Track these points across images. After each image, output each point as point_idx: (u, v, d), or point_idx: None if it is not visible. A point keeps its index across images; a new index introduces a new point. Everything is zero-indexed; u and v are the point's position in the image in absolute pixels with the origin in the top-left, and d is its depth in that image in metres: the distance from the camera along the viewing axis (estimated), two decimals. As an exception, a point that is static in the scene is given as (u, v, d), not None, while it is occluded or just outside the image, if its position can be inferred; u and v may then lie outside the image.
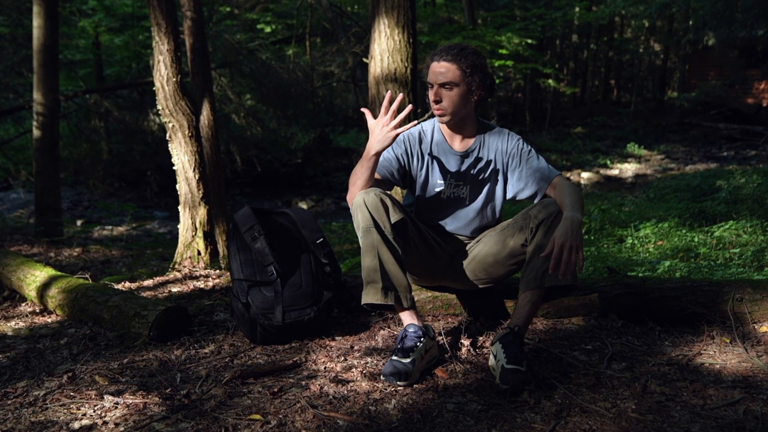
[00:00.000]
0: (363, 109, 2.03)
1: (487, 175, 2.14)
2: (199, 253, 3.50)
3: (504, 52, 11.39)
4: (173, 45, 3.43)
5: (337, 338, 2.17)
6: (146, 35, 10.04)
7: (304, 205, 10.75)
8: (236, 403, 1.69)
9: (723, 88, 14.35)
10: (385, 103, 1.95)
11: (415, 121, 2.03)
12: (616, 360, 1.91)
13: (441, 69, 2.00)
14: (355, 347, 2.08)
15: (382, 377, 1.79)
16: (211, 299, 2.72)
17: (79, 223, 8.08)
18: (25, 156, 9.73)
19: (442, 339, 2.07)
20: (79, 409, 1.68)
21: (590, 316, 2.25)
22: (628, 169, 12.41)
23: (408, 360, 1.79)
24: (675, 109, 16.44)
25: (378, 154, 1.95)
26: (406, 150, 2.12)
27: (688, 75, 16.80)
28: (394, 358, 1.80)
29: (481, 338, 2.12)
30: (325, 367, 1.91)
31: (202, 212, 3.54)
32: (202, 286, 2.99)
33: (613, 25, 17.51)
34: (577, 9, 14.31)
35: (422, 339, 1.87)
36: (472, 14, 11.32)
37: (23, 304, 2.93)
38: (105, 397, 1.74)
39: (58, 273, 2.90)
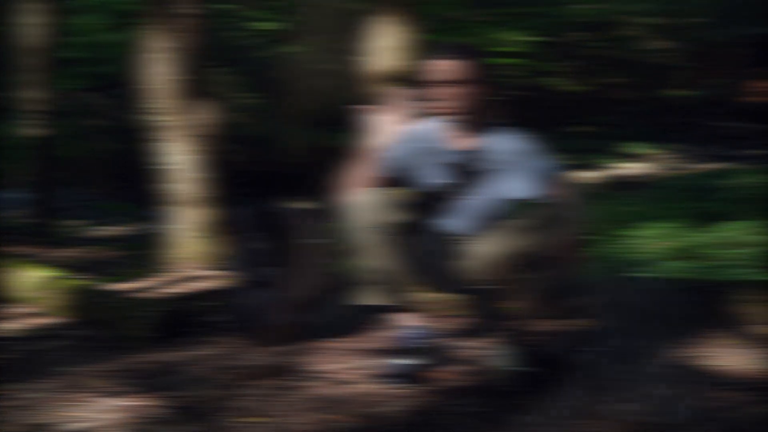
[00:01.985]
0: (366, 106, 2.02)
1: (489, 174, 2.12)
2: (198, 253, 3.49)
3: (506, 49, 11.36)
4: (172, 42, 3.42)
5: (337, 339, 2.15)
6: (145, 32, 10.00)
7: (304, 205, 10.73)
8: (236, 404, 1.67)
9: (729, 87, 14.30)
10: (390, 99, 1.94)
11: (418, 119, 2.02)
12: (619, 361, 1.90)
13: (442, 67, 1.99)
14: (356, 348, 2.06)
15: (382, 378, 1.78)
16: (211, 300, 2.70)
17: (76, 223, 8.05)
18: (22, 155, 9.68)
19: (444, 340, 2.05)
20: (77, 412, 1.66)
21: (593, 317, 2.23)
22: (631, 168, 12.37)
23: (409, 361, 1.78)
24: (680, 107, 16.38)
25: (380, 152, 1.94)
26: (406, 149, 2.11)
27: (693, 73, 16.75)
28: (395, 359, 1.79)
29: (483, 339, 2.10)
30: (325, 369, 1.89)
31: (201, 212, 3.53)
32: (201, 286, 2.97)
33: (618, 23, 17.46)
34: (580, 6, 14.27)
35: (423, 340, 1.85)
36: (474, 11, 11.28)
37: (20, 305, 2.90)
38: (103, 399, 1.72)
39: (56, 273, 2.89)
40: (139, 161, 4.53)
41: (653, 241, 4.38)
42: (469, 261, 2.14)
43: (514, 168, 2.11)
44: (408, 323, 1.92)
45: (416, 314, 1.94)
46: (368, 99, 3.31)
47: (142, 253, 4.84)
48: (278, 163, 12.10)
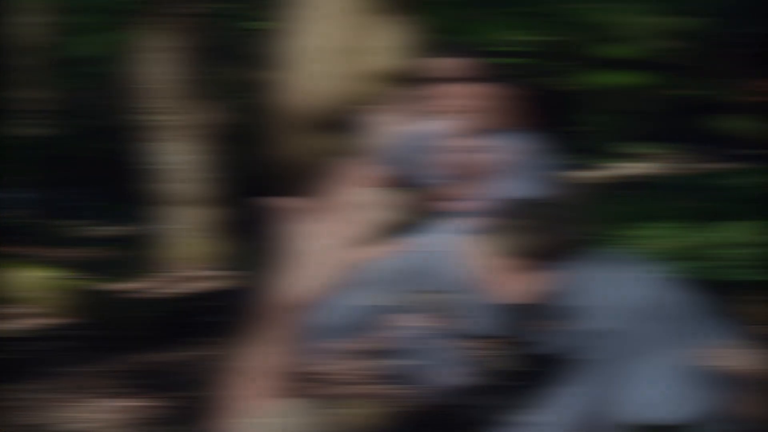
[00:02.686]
0: (368, 106, 2.02)
1: (491, 172, 2.12)
2: (197, 253, 3.49)
3: (507, 49, 11.35)
4: (172, 42, 3.42)
5: (338, 340, 2.15)
6: (145, 32, 10.01)
7: (304, 205, 10.73)
8: (236, 404, 1.67)
9: (729, 87, 14.30)
10: (392, 99, 1.94)
11: (420, 119, 2.02)
12: (619, 361, 1.89)
13: (444, 66, 1.99)
14: (357, 349, 2.06)
15: (385, 379, 1.78)
16: (210, 300, 2.70)
17: (76, 223, 8.05)
18: (23, 155, 9.69)
19: (443, 340, 2.05)
20: (78, 411, 1.66)
21: (592, 317, 2.23)
22: (632, 168, 12.37)
23: (411, 361, 1.78)
24: (680, 107, 16.35)
25: (381, 152, 1.94)
26: (408, 148, 2.11)
27: (695, 72, 16.72)
28: (398, 359, 1.79)
29: (482, 339, 2.10)
30: (327, 369, 1.89)
31: (200, 212, 3.53)
32: (200, 286, 2.98)
33: (618, 23, 17.44)
34: (580, 6, 14.25)
35: (426, 340, 1.85)
36: (474, 11, 11.27)
37: (20, 305, 2.91)
38: (103, 398, 1.72)
39: (56, 273, 2.89)
40: (139, 161, 4.53)
41: (653, 241, 4.37)
42: (469, 261, 2.14)
43: (516, 167, 2.11)
44: (408, 323, 1.92)
45: (416, 314, 1.94)
46: (370, 98, 3.30)
47: (142, 253, 4.84)
48: (277, 163, 12.11)
